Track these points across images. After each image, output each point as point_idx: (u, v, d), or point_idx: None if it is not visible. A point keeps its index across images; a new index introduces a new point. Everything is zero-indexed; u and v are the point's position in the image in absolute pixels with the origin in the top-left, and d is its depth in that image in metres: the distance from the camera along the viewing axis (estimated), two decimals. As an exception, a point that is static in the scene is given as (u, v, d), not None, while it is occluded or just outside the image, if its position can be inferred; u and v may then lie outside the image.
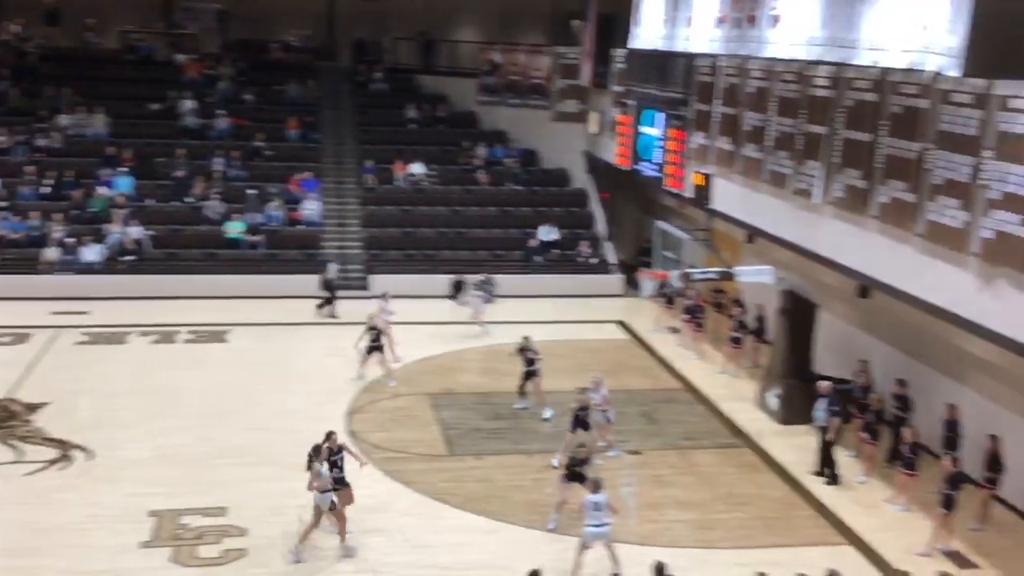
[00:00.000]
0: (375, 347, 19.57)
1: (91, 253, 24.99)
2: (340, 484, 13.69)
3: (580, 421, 16.27)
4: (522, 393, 18.59)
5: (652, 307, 24.94)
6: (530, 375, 18.44)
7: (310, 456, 13.42)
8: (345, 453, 14.03)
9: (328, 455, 13.60)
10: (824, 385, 16.25)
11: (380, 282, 25.79)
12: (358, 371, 19.73)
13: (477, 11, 34.92)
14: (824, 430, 15.96)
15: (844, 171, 15.53)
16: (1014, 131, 11.99)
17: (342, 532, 13.35)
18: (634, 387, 19.95)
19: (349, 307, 23.77)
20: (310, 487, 13.18)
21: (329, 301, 24.09)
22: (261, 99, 31.23)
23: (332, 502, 13.21)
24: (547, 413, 18.18)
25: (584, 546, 12.72)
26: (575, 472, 14.12)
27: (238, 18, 33.42)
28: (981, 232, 12.55)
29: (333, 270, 24.49)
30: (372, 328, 19.62)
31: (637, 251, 29.52)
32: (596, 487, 12.95)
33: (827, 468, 15.97)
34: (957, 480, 13.57)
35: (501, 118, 31.53)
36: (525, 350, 18.55)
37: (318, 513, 13.21)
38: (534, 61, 30.36)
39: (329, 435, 13.92)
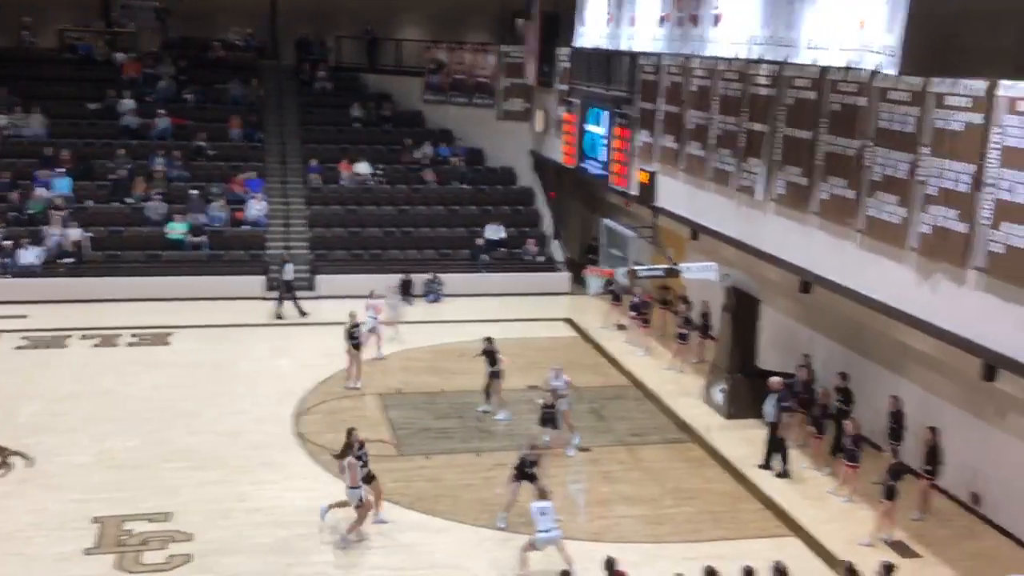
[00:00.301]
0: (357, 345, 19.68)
1: (29, 256, 24.48)
2: (368, 480, 13.89)
3: (548, 419, 16.32)
4: (487, 395, 18.53)
5: (599, 304, 25.09)
6: (494, 376, 18.32)
7: (339, 455, 13.79)
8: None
9: (355, 451, 13.76)
10: (775, 381, 16.46)
11: (326, 283, 25.68)
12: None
13: (422, 9, 34.81)
14: (774, 426, 16.16)
15: (785, 168, 15.76)
16: (950, 128, 12.27)
17: (357, 523, 13.56)
18: (582, 384, 19.99)
19: (292, 307, 23.64)
20: (351, 482, 13.45)
21: (282, 301, 23.84)
22: (203, 98, 30.80)
23: (360, 498, 13.39)
24: (501, 415, 18.15)
25: (532, 547, 12.77)
26: (525, 472, 14.15)
27: (178, 16, 32.97)
28: (919, 228, 12.83)
29: (290, 270, 24.11)
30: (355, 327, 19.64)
31: (584, 249, 29.66)
32: (542, 494, 13.03)
33: (777, 462, 16.18)
34: (899, 471, 13.84)
35: (447, 117, 31.47)
36: (489, 352, 18.44)
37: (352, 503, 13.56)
38: (479, 60, 30.37)
39: (350, 432, 14.13)
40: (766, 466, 16.23)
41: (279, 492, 15.02)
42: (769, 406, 16.27)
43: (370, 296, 21.65)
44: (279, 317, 23.60)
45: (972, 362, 12.69)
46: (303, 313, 23.82)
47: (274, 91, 31.89)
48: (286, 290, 23.92)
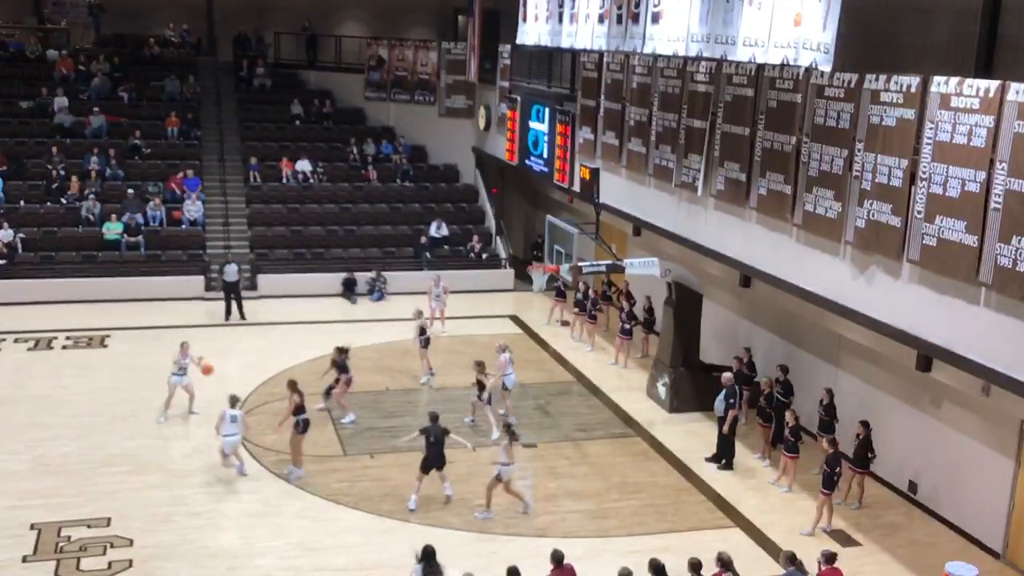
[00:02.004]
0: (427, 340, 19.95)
1: (-41, 258, 23.87)
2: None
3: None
4: (327, 394, 18.11)
5: (544, 301, 25.15)
6: (347, 383, 17.87)
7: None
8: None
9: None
10: (725, 377, 16.62)
11: (268, 282, 25.39)
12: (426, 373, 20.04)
13: (361, 5, 34.55)
14: (722, 421, 16.30)
15: (724, 164, 15.93)
16: (884, 123, 12.49)
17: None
18: (528, 381, 20.07)
19: (233, 308, 23.32)
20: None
21: (229, 303, 23.46)
22: (138, 96, 30.29)
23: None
24: (347, 419, 17.79)
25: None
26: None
27: (112, 12, 32.34)
28: (855, 222, 13.05)
29: (232, 271, 23.64)
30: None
31: (528, 245, 29.71)
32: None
33: (725, 457, 16.34)
34: (836, 461, 14.09)
35: (388, 114, 31.31)
36: (337, 363, 17.96)
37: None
38: (420, 56, 30.27)
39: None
40: (716, 459, 16.37)
41: (220, 495, 14.83)
42: (719, 402, 16.40)
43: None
44: (226, 319, 23.20)
45: (908, 353, 12.94)
46: (243, 316, 23.47)
47: (211, 88, 31.44)
48: (230, 291, 23.55)
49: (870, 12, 14.08)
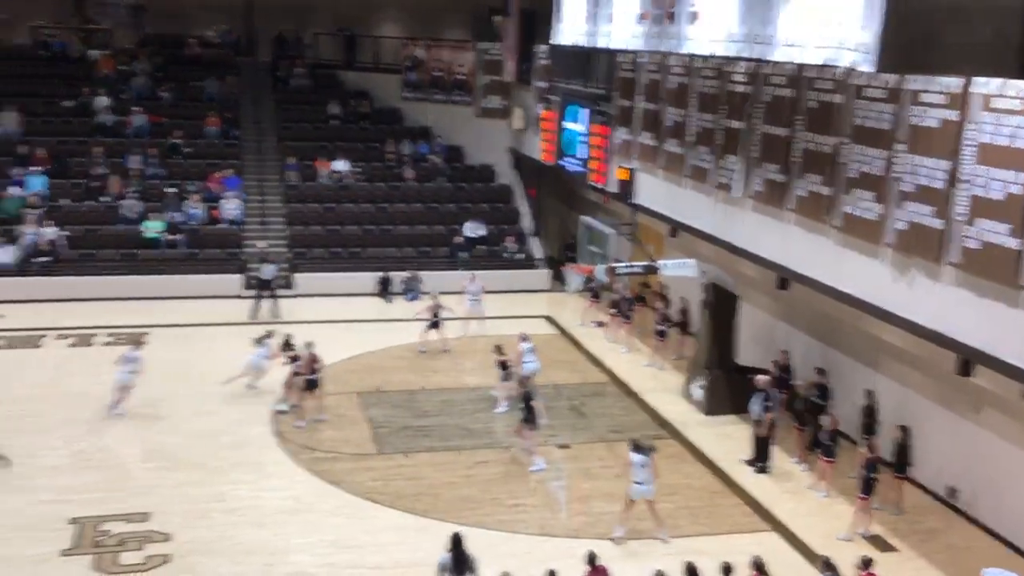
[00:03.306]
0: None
1: (4, 255, 24.24)
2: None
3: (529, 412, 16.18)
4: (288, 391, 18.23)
5: (578, 302, 25.11)
6: (311, 384, 17.83)
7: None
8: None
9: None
10: (759, 379, 16.50)
11: (305, 281, 25.57)
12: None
13: (399, 6, 34.70)
14: (759, 424, 16.19)
15: (763, 165, 15.82)
16: (925, 124, 12.35)
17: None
18: (562, 381, 20.07)
19: (270, 306, 23.51)
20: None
21: (259, 301, 23.61)
22: (179, 95, 30.61)
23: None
24: (300, 422, 17.64)
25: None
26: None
27: (153, 12, 32.73)
28: (894, 224, 12.91)
29: (269, 270, 23.85)
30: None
31: (563, 246, 29.68)
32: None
33: (761, 460, 16.22)
34: (874, 466, 13.93)
35: (425, 114, 31.40)
36: (288, 348, 18.51)
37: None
38: (457, 57, 30.34)
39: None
40: (752, 463, 16.25)
41: (257, 492, 14.95)
42: (754, 404, 16.29)
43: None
44: (254, 316, 23.44)
45: (948, 357, 12.79)
46: (277, 315, 23.60)
47: (251, 88, 31.72)
48: (264, 289, 23.76)
49: (911, 12, 13.90)
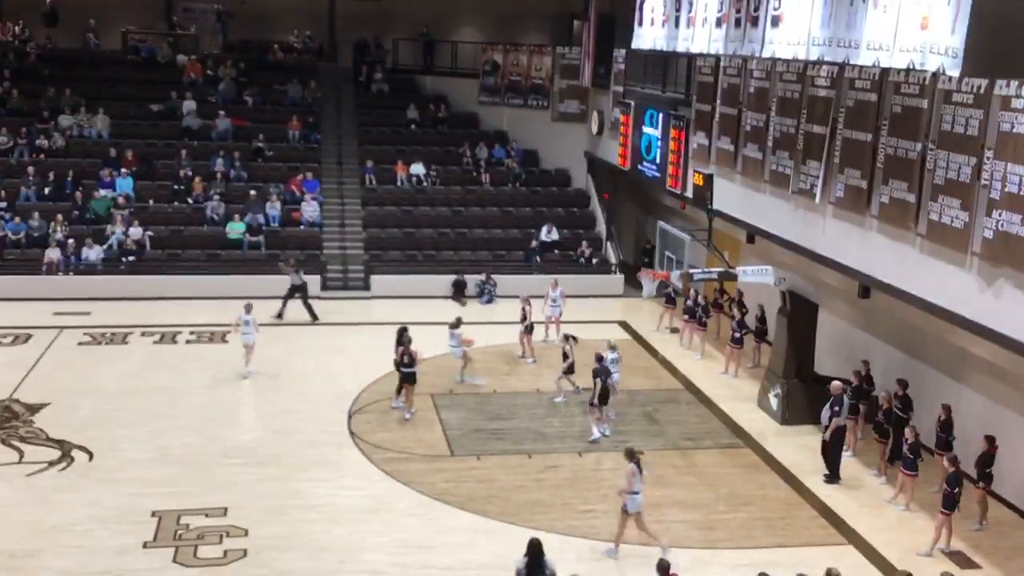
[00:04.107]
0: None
1: (92, 254, 25.00)
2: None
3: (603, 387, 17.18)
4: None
5: (653, 307, 24.94)
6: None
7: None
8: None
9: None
10: (834, 385, 16.21)
11: (381, 283, 25.87)
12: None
13: (478, 11, 34.93)
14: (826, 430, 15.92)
15: (845, 171, 15.53)
16: (1015, 131, 11.99)
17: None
18: (636, 387, 19.95)
19: (347, 307, 23.78)
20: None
21: (286, 302, 23.47)
22: (262, 100, 31.25)
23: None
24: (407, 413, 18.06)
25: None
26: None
27: (239, 19, 33.48)
28: (982, 232, 12.56)
29: (299, 275, 23.78)
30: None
31: (639, 251, 29.52)
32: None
33: (829, 469, 15.95)
34: (956, 481, 13.56)
35: (502, 118, 31.54)
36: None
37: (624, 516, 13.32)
38: (535, 61, 30.42)
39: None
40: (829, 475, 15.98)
41: (332, 490, 15.15)
42: (826, 411, 16.02)
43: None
44: (279, 317, 23.40)
45: (1037, 370, 12.40)
46: (314, 317, 23.61)
47: (332, 93, 32.22)
48: (295, 293, 23.62)
49: (1000, 15, 13.53)
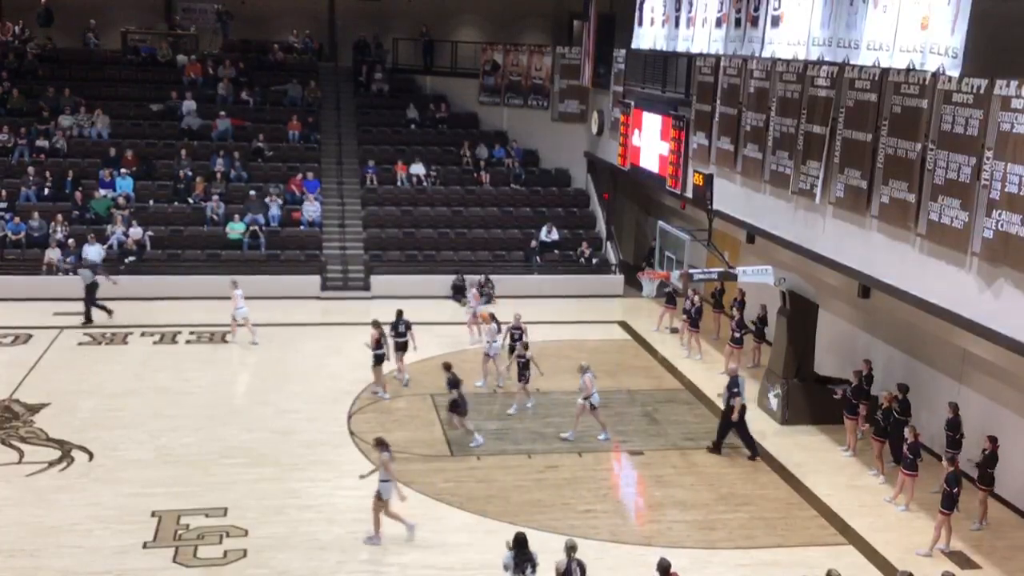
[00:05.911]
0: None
1: (92, 254, 24.98)
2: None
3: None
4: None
5: (653, 307, 24.93)
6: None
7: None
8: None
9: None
10: (731, 369, 17.52)
11: (381, 283, 25.87)
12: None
13: (477, 11, 34.93)
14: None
15: (845, 171, 15.54)
16: (1015, 130, 11.99)
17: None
18: (635, 387, 19.95)
19: (347, 307, 23.76)
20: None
21: (88, 306, 22.96)
22: (262, 100, 31.24)
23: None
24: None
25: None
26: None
27: (238, 19, 33.46)
28: (982, 232, 12.56)
29: (87, 275, 23.12)
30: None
31: (640, 252, 29.50)
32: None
33: (717, 438, 17.01)
34: (956, 480, 13.56)
35: (502, 118, 31.54)
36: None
37: None
38: (535, 61, 30.42)
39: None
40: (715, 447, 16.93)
41: (331, 490, 15.16)
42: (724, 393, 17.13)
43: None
44: (89, 322, 22.90)
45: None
46: (110, 312, 23.05)
47: (331, 93, 32.22)
48: (86, 295, 22.99)
49: (1000, 16, 13.53)
